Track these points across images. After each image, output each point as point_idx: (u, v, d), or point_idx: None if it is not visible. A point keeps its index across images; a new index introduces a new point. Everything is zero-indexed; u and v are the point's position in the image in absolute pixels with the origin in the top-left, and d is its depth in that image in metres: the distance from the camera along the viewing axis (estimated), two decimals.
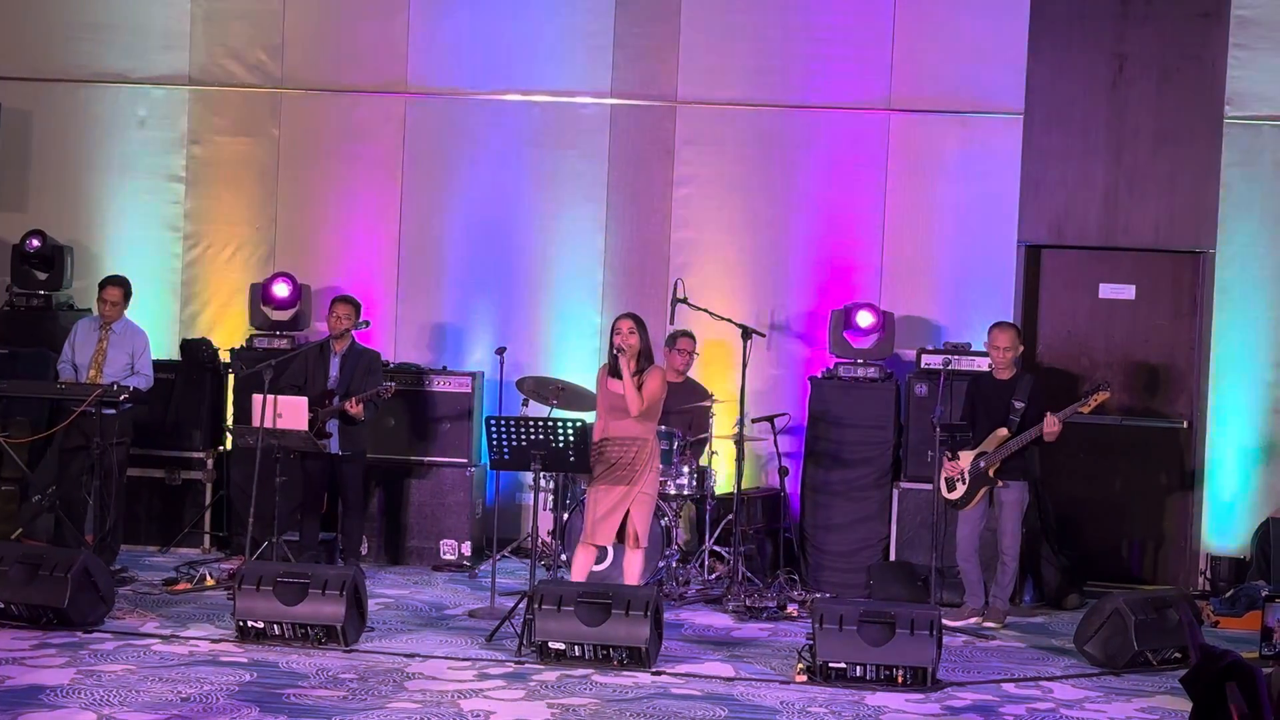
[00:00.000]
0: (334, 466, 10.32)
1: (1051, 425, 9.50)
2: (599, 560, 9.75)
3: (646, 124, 11.67)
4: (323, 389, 10.23)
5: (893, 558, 10.67)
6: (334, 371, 10.31)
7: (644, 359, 8.95)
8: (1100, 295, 11.31)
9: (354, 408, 10.10)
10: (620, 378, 8.92)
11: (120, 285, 10.36)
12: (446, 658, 8.42)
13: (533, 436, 8.70)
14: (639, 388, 8.87)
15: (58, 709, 7.20)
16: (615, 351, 8.91)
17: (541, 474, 9.07)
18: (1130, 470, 11.19)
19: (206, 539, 11.26)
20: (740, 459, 10.21)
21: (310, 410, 9.86)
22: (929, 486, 10.06)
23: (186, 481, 11.28)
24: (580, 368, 11.14)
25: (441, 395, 11.18)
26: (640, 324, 8.99)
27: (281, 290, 11.30)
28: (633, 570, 9.06)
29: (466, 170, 11.84)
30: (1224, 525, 11.03)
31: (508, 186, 11.79)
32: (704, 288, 11.06)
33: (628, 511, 8.92)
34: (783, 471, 10.62)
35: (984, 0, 11.30)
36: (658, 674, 8.18)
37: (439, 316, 11.85)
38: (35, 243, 11.48)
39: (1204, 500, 11.06)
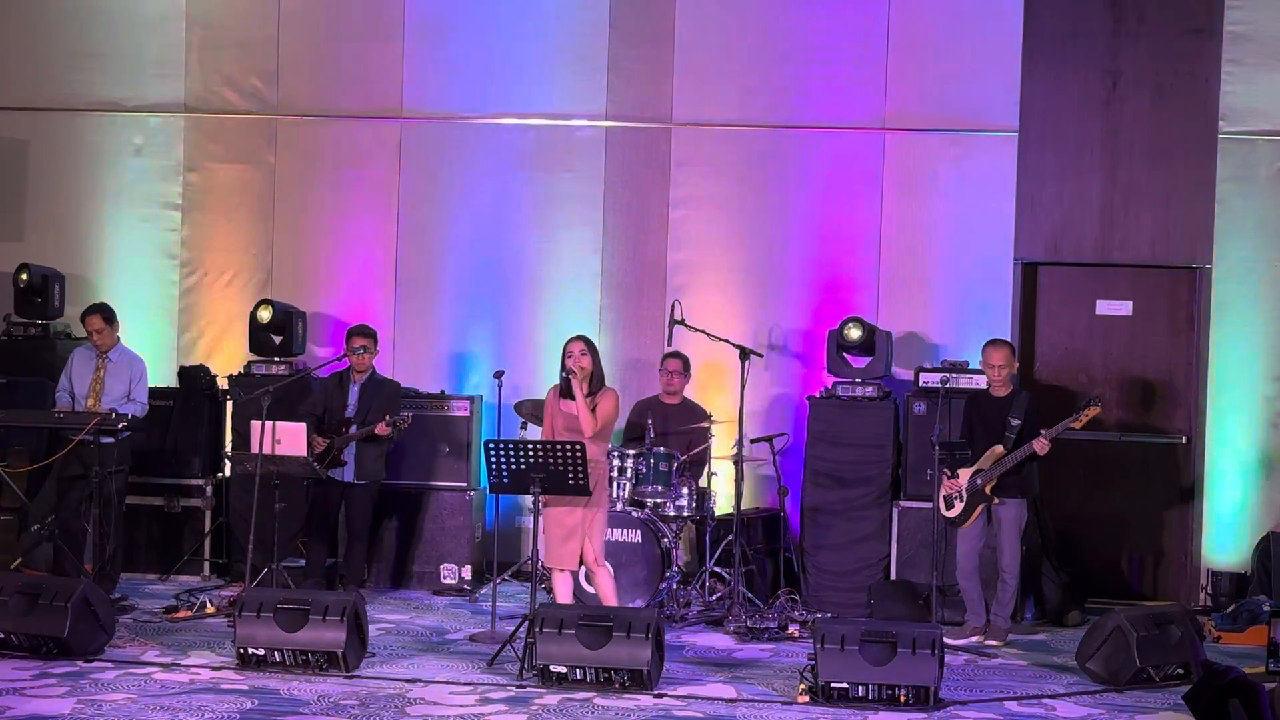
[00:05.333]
0: (344, 493, 10.34)
1: (1042, 446, 9.52)
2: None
3: (642, 146, 11.68)
4: (340, 417, 10.25)
5: (893, 577, 10.65)
6: (353, 400, 10.34)
7: (596, 381, 9.09)
8: (1097, 312, 11.32)
9: (386, 430, 10.13)
10: (572, 399, 9.00)
11: (99, 312, 10.35)
12: (448, 682, 8.40)
13: (532, 460, 8.71)
14: (592, 409, 8.99)
15: None
16: (566, 374, 9.03)
17: (540, 497, 9.06)
18: (1130, 486, 11.19)
19: (206, 566, 11.25)
20: (740, 480, 10.21)
21: (327, 437, 9.90)
22: (929, 505, 10.06)
23: (186, 509, 11.27)
24: None
25: (440, 419, 11.19)
26: (591, 346, 9.14)
27: (264, 314, 11.30)
28: (607, 590, 9.15)
29: (463, 194, 11.85)
30: (1224, 540, 11.02)
31: (504, 210, 11.80)
32: (702, 309, 11.07)
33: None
34: (782, 492, 10.62)
35: (977, 19, 11.33)
36: (659, 696, 8.17)
37: (437, 341, 11.85)
38: (23, 277, 11.49)
39: (1204, 515, 11.06)
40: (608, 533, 9.44)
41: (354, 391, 10.39)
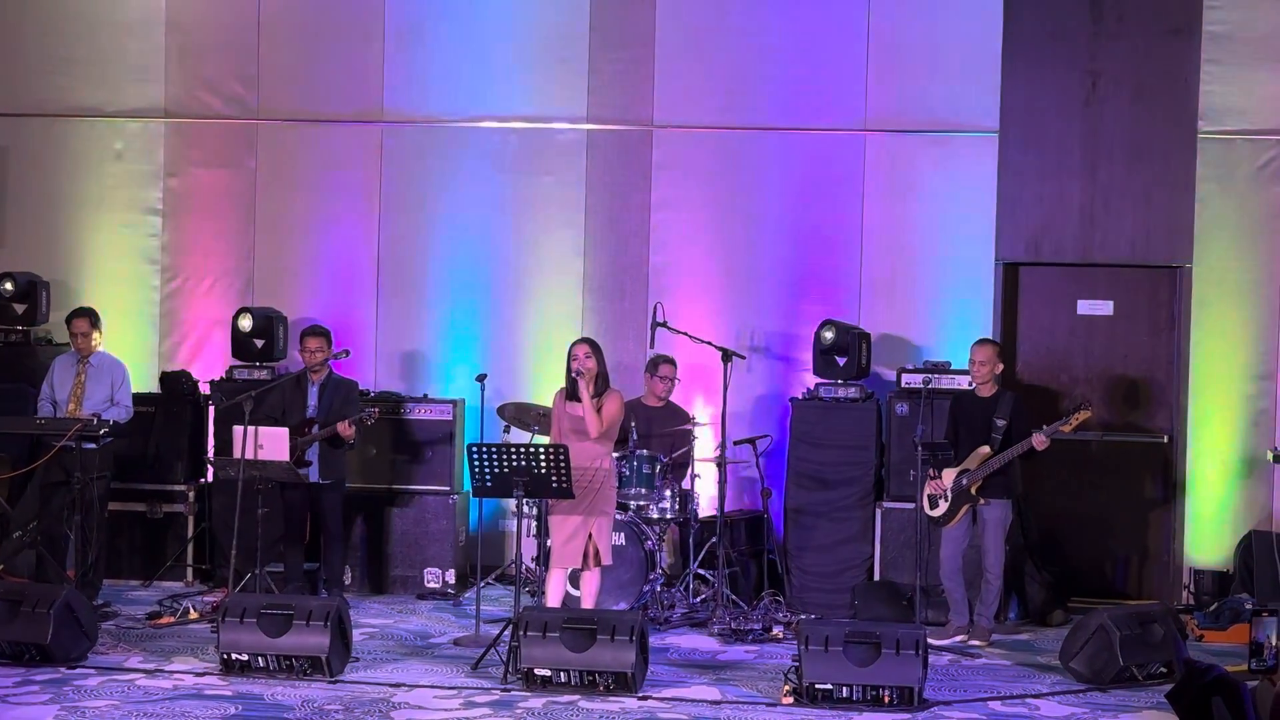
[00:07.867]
0: (313, 495, 10.30)
1: (1041, 442, 9.52)
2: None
3: (623, 149, 11.68)
4: (301, 418, 10.22)
5: (877, 577, 10.67)
6: (312, 400, 10.30)
7: (601, 382, 9.16)
8: (1079, 312, 11.35)
9: (347, 430, 10.10)
10: (578, 401, 9.06)
11: (86, 316, 10.35)
12: (432, 687, 8.40)
13: (515, 463, 8.71)
14: (598, 410, 9.02)
15: None
16: (574, 375, 9.08)
17: (524, 500, 9.07)
18: (1112, 485, 11.21)
19: (189, 572, 11.23)
20: (723, 481, 10.21)
21: (289, 439, 9.85)
22: (912, 506, 10.07)
23: (168, 514, 11.24)
24: None
25: (422, 423, 11.18)
26: (596, 348, 9.20)
27: (244, 323, 11.28)
28: (590, 589, 9.17)
29: (444, 198, 11.84)
30: (1206, 539, 11.03)
31: (485, 213, 11.79)
32: (684, 311, 11.07)
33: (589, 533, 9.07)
34: (766, 493, 10.63)
35: (957, 20, 11.35)
36: (644, 699, 8.17)
37: (419, 344, 11.84)
38: (7, 286, 11.45)
39: (1186, 514, 11.08)
40: None
41: (313, 392, 10.33)
